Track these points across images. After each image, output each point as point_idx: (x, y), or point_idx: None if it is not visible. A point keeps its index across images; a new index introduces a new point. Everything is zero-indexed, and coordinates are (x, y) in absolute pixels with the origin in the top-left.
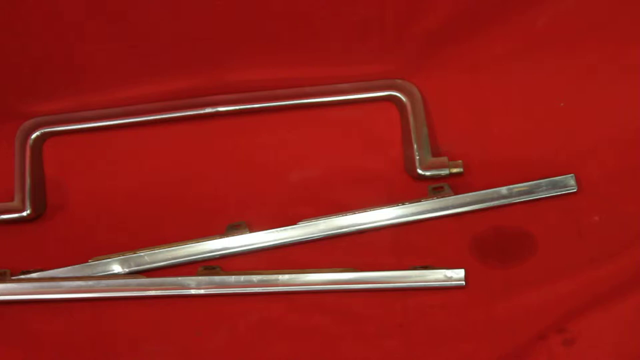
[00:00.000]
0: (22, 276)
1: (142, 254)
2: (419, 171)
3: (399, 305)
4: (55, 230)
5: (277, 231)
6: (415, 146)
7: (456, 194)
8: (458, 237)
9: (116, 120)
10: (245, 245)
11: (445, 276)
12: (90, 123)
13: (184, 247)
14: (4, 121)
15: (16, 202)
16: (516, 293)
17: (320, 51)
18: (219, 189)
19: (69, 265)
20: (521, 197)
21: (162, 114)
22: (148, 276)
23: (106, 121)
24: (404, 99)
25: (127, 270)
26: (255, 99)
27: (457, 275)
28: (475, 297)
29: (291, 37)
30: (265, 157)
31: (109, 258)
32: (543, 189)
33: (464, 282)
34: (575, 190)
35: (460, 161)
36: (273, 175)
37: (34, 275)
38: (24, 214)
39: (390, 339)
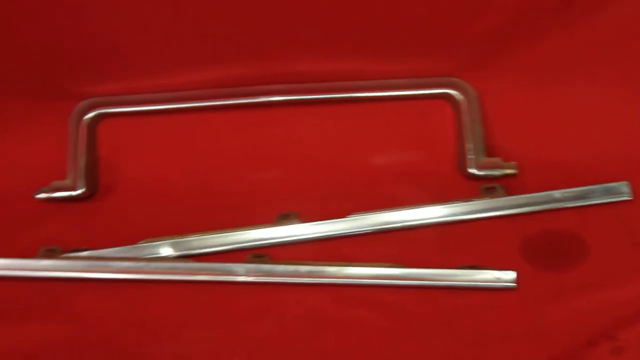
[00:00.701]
0: (72, 254)
1: (191, 238)
2: (472, 170)
3: (446, 303)
4: (106, 211)
5: (327, 223)
6: (469, 145)
7: (508, 195)
8: (508, 239)
9: (171, 104)
10: (295, 235)
11: (496, 277)
12: (146, 106)
13: (233, 234)
14: (61, 100)
15: (69, 181)
16: (566, 298)
17: (378, 45)
18: (271, 177)
19: (118, 246)
20: (574, 201)
21: (217, 101)
22: (197, 261)
23: (161, 105)
24: (459, 97)
25: (176, 253)
26: (310, 90)
27: (507, 276)
28: (523, 300)
29: (350, 29)
30: (317, 149)
31: (159, 241)
32: (596, 194)
33: (515, 284)
34: (629, 198)
35: (514, 162)
36: (325, 167)
37: (84, 253)
38: (76, 192)
39: (435, 337)
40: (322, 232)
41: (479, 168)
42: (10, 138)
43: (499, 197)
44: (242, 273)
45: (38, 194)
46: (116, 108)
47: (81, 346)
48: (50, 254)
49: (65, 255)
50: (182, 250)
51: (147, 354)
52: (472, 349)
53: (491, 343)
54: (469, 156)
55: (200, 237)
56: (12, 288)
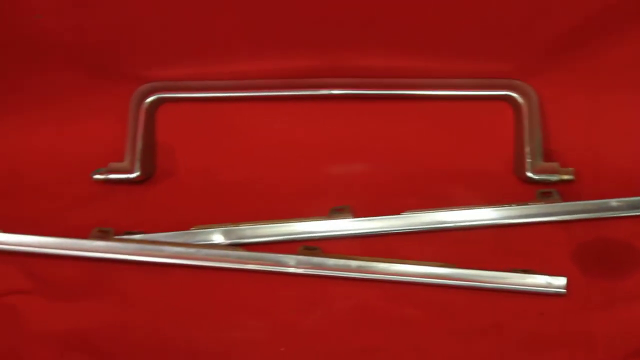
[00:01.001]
0: (124, 237)
1: (244, 227)
2: (529, 174)
3: (496, 306)
4: (161, 195)
5: (380, 219)
6: (527, 149)
7: (564, 201)
8: (562, 245)
9: (231, 92)
10: (347, 230)
11: (547, 282)
12: (206, 93)
13: (286, 225)
14: (122, 83)
15: (126, 163)
16: (616, 307)
17: (442, 43)
18: (326, 170)
19: (171, 231)
20: (630, 211)
21: (278, 91)
22: (248, 250)
23: (221, 92)
24: (520, 100)
25: (227, 241)
26: (371, 86)
27: (558, 282)
28: (573, 307)
29: (415, 28)
30: (376, 144)
31: (211, 228)
32: None
33: (564, 290)
34: None
35: (571, 168)
36: (381, 163)
37: (136, 236)
38: (133, 175)
39: (483, 339)
40: (374, 228)
41: (536, 172)
42: (71, 118)
43: (554, 202)
44: (293, 265)
45: (95, 174)
46: (177, 93)
47: (130, 328)
48: (103, 235)
49: (118, 237)
50: (233, 239)
51: (194, 339)
52: (519, 353)
53: (538, 348)
54: (526, 160)
55: (252, 226)
56: (64, 267)
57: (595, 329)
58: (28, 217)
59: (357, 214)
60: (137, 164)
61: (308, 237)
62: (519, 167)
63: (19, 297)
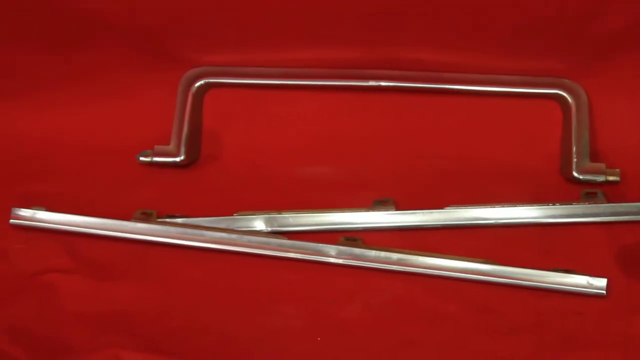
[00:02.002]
0: (167, 219)
1: (286, 215)
2: (575, 174)
3: (535, 304)
4: (205, 180)
5: (422, 213)
6: (574, 148)
7: (608, 202)
8: (605, 246)
9: (279, 80)
10: (389, 222)
11: (587, 283)
12: (254, 79)
13: (328, 215)
14: (171, 67)
15: (172, 147)
16: None
17: (491, 39)
18: (370, 162)
19: (213, 216)
20: None
21: (326, 81)
22: (289, 238)
23: (269, 80)
24: (570, 99)
25: (269, 229)
26: (420, 79)
27: (598, 283)
28: (613, 309)
29: (466, 22)
30: (421, 138)
31: (254, 215)
32: None
33: (604, 292)
34: None
35: (617, 170)
36: (426, 156)
37: (179, 220)
38: (178, 159)
39: (521, 337)
40: (416, 222)
41: (581, 172)
42: (119, 100)
43: (599, 203)
44: (333, 255)
45: (141, 156)
46: (225, 79)
47: (168, 311)
48: (146, 217)
49: (160, 220)
50: (275, 226)
51: (231, 325)
52: (557, 352)
53: (576, 349)
54: (573, 159)
55: (294, 214)
56: (106, 248)
57: (634, 331)
58: (72, 197)
59: (400, 206)
60: (183, 148)
61: (350, 227)
62: (565, 167)
63: (60, 275)
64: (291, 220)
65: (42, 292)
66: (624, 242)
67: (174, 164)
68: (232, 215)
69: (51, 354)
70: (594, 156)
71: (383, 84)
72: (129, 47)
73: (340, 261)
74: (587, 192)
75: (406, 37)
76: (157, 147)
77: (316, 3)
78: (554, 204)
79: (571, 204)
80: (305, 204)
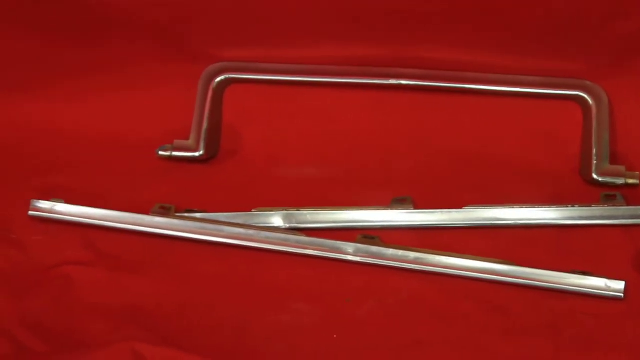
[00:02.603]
0: (185, 214)
1: (304, 212)
2: (594, 176)
3: (552, 306)
4: (224, 175)
5: (441, 212)
6: (594, 150)
7: (628, 205)
8: (623, 249)
9: (300, 76)
10: (407, 221)
11: (605, 285)
12: (275, 76)
13: (346, 212)
14: (192, 62)
15: (191, 142)
16: None
17: (513, 40)
18: (389, 160)
19: (231, 211)
20: None
21: (346, 78)
22: (307, 235)
23: (290, 76)
24: (590, 101)
25: (287, 225)
26: (441, 78)
27: (616, 286)
28: (630, 311)
29: (487, 22)
30: (440, 137)
31: (272, 211)
32: None
33: (622, 295)
34: None
35: (637, 173)
36: (445, 156)
37: (197, 215)
38: (197, 154)
39: (537, 339)
40: (434, 221)
41: (601, 174)
42: (139, 94)
43: (618, 205)
44: (351, 252)
45: (160, 150)
46: (245, 74)
47: (185, 306)
48: (164, 211)
49: (179, 214)
50: (293, 223)
51: (247, 320)
52: (573, 354)
53: (593, 351)
54: (593, 161)
55: (312, 211)
56: (124, 241)
57: None
58: (90, 190)
59: (418, 205)
60: (202, 143)
61: (367, 225)
62: (585, 169)
63: (77, 268)
64: (309, 217)
65: (60, 285)
66: None
67: (193, 159)
68: (250, 211)
69: (68, 347)
70: (614, 158)
71: (403, 82)
72: (150, 42)
73: (357, 259)
74: (606, 195)
75: (427, 36)
76: (177, 142)
77: (338, 0)
78: (572, 206)
79: (590, 206)
80: (323, 201)
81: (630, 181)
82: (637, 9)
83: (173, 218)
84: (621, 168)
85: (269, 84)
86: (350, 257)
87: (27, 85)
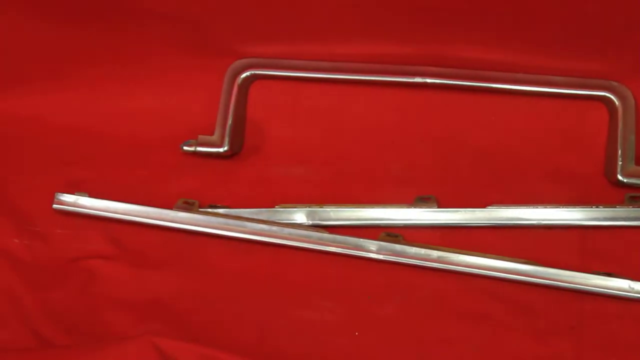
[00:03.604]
0: (208, 209)
1: (328, 209)
2: (619, 177)
3: (575, 307)
4: (248, 171)
5: (465, 211)
6: (619, 151)
7: None
8: None
9: (324, 73)
10: (430, 220)
11: (629, 286)
12: (300, 72)
13: (370, 210)
14: (217, 57)
15: (215, 137)
16: None
17: (538, 39)
18: (413, 158)
19: (255, 207)
20: None
21: (371, 76)
22: (330, 232)
23: (315, 73)
24: (617, 102)
25: (310, 222)
26: (466, 77)
27: None
28: None
29: (514, 21)
30: (465, 135)
31: (295, 207)
32: None
33: None
34: None
35: None
36: (469, 155)
37: (220, 210)
38: (221, 149)
39: (560, 340)
40: (458, 220)
41: (626, 175)
42: (165, 89)
43: None
44: (374, 250)
45: (184, 145)
46: (271, 70)
47: (207, 301)
48: (188, 206)
49: (202, 209)
50: (316, 220)
51: (270, 316)
52: (597, 356)
53: (616, 352)
54: (618, 162)
55: (336, 208)
56: (147, 236)
57: None
58: (115, 184)
59: (442, 204)
60: (226, 139)
61: (391, 223)
62: (610, 169)
63: (100, 261)
64: (332, 214)
65: (82, 278)
66: None
67: (217, 155)
68: (274, 207)
69: (89, 340)
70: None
71: (429, 80)
72: (176, 38)
73: (380, 257)
74: (631, 196)
75: (453, 35)
76: (201, 137)
77: None
78: (597, 207)
79: (615, 207)
80: (347, 198)
81: None
82: None
83: (196, 213)
84: None
85: (293, 81)
86: (373, 255)
87: (53, 78)
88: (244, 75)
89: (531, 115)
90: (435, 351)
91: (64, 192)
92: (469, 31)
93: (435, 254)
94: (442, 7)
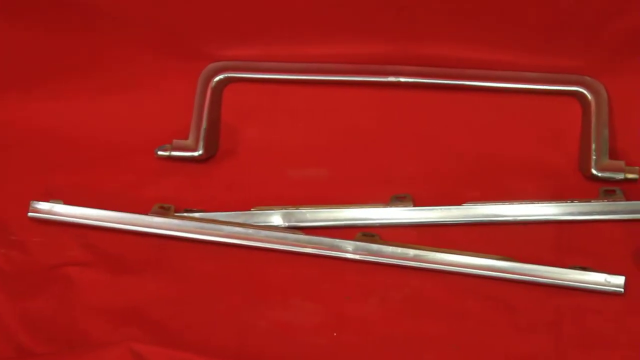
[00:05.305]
0: (185, 214)
1: (304, 210)
2: (594, 171)
3: (553, 302)
4: (223, 174)
5: (440, 209)
6: (593, 146)
7: (627, 200)
8: (622, 244)
9: (298, 75)
10: (407, 218)
11: (605, 280)
12: (273, 74)
13: (346, 210)
14: (191, 61)
15: (190, 141)
16: None
17: (511, 36)
18: (389, 157)
19: (230, 210)
20: None
21: (345, 76)
22: (306, 233)
23: (288, 75)
24: (590, 97)
25: (286, 224)
26: (440, 75)
27: (616, 281)
28: (632, 307)
29: (486, 19)
30: (439, 134)
31: (271, 210)
32: None
33: (622, 290)
34: None
35: (637, 167)
36: (444, 153)
37: (196, 214)
38: (196, 153)
39: (540, 335)
40: (434, 218)
41: (600, 170)
42: (138, 94)
43: (617, 201)
44: (350, 250)
45: (159, 150)
46: (244, 73)
47: (185, 305)
48: (164, 211)
49: (178, 214)
50: (292, 222)
51: (249, 318)
52: (575, 350)
53: (594, 346)
54: (592, 157)
55: (312, 210)
56: (123, 242)
57: None
58: (91, 190)
59: (418, 202)
60: (201, 143)
61: (367, 223)
62: (584, 164)
63: (77, 268)
64: (308, 216)
65: (60, 285)
66: None
67: (192, 159)
68: (250, 210)
69: (68, 347)
70: (613, 154)
71: (402, 79)
72: (149, 41)
73: (357, 257)
74: (606, 190)
75: (426, 33)
76: (176, 142)
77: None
78: (572, 201)
79: (590, 202)
80: (323, 199)
81: (630, 176)
82: (636, 5)
83: (172, 218)
84: (620, 163)
85: (267, 83)
86: (349, 255)
87: (25, 85)
88: (217, 78)
89: (505, 111)
90: (415, 350)
91: (39, 200)
92: (441, 29)
93: (412, 252)
94: (414, 5)
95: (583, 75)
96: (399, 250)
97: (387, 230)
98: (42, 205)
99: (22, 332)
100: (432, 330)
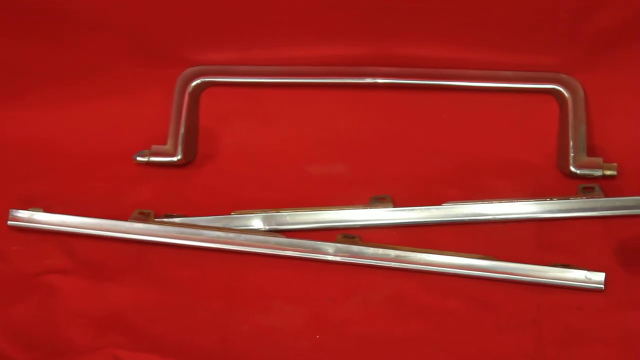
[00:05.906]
0: (165, 219)
1: (284, 213)
2: (572, 169)
3: (534, 300)
4: (202, 179)
5: (420, 209)
6: (571, 143)
7: (606, 196)
8: (602, 241)
9: (275, 78)
10: (387, 219)
11: (585, 277)
12: (251, 78)
13: (326, 213)
14: (167, 66)
15: (168, 147)
16: None
17: (488, 35)
18: (367, 159)
19: (211, 215)
20: None
21: (322, 78)
22: (287, 236)
23: (266, 78)
24: (566, 94)
25: (267, 227)
26: (416, 75)
27: (597, 277)
28: (612, 303)
29: (462, 18)
30: (417, 134)
31: (251, 213)
32: None
33: (602, 286)
34: None
35: (615, 164)
36: (423, 153)
37: (176, 219)
38: (175, 158)
39: (521, 333)
40: (414, 218)
41: (579, 167)
42: (115, 100)
43: (596, 197)
44: (331, 252)
45: (137, 156)
46: (221, 77)
47: (166, 311)
48: (143, 217)
49: (158, 219)
50: (273, 225)
51: (229, 323)
52: (557, 347)
53: (576, 343)
54: (570, 154)
55: (292, 212)
56: (103, 248)
57: (633, 325)
58: (70, 197)
59: (398, 203)
60: (180, 148)
61: (347, 225)
62: (562, 161)
63: (58, 276)
64: (289, 219)
65: (41, 293)
66: (621, 236)
67: (171, 164)
68: (230, 214)
69: (50, 355)
70: (591, 151)
71: (379, 80)
72: (125, 47)
73: (338, 259)
74: (585, 187)
75: (402, 33)
76: (154, 147)
77: (312, 0)
78: (551, 199)
79: (568, 199)
80: (303, 201)
81: (608, 172)
82: (611, 2)
83: (152, 223)
84: (598, 160)
85: (244, 87)
86: (330, 257)
87: (3, 94)
88: (194, 83)
89: (482, 110)
90: (398, 350)
91: (18, 208)
92: (417, 29)
93: (393, 253)
94: (389, 6)
95: (559, 73)
96: (380, 251)
97: (368, 231)
98: (22, 214)
99: (3, 340)
100: (415, 331)
